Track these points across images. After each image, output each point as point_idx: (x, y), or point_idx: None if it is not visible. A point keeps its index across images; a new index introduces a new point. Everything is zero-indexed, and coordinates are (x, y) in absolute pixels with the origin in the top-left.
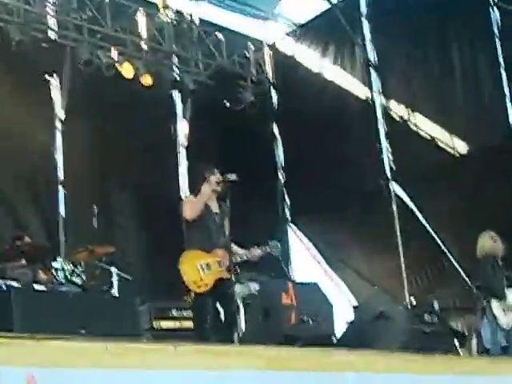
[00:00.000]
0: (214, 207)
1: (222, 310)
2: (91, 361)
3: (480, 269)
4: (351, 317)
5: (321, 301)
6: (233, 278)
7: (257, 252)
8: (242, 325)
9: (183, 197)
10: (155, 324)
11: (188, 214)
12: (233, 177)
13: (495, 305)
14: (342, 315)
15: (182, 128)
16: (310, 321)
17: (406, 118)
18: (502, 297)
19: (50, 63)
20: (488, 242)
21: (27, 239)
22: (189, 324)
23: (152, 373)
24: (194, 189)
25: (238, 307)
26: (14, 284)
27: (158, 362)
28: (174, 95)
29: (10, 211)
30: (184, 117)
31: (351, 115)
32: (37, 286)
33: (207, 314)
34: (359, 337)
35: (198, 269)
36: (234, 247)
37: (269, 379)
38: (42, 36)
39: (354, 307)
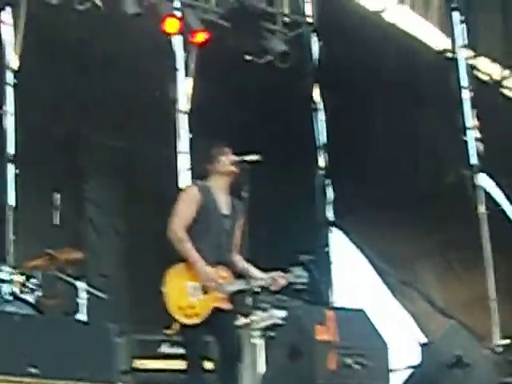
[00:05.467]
0: (224, 205)
1: (222, 350)
2: None
3: None
4: (416, 361)
5: (372, 337)
6: (237, 309)
7: (281, 281)
8: (261, 368)
9: (181, 186)
10: (137, 364)
11: (181, 212)
12: (254, 157)
13: None
14: (403, 358)
15: (184, 88)
16: (356, 365)
17: (499, 80)
18: None
19: None
20: None
21: None
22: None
23: None
24: (198, 175)
25: (243, 345)
26: None
27: None
28: (173, 42)
29: None
30: (186, 72)
31: (423, 75)
32: None
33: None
34: None
35: (188, 291)
36: (250, 268)
37: None
38: None
39: (422, 346)
